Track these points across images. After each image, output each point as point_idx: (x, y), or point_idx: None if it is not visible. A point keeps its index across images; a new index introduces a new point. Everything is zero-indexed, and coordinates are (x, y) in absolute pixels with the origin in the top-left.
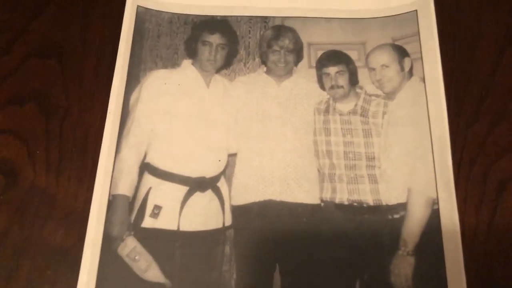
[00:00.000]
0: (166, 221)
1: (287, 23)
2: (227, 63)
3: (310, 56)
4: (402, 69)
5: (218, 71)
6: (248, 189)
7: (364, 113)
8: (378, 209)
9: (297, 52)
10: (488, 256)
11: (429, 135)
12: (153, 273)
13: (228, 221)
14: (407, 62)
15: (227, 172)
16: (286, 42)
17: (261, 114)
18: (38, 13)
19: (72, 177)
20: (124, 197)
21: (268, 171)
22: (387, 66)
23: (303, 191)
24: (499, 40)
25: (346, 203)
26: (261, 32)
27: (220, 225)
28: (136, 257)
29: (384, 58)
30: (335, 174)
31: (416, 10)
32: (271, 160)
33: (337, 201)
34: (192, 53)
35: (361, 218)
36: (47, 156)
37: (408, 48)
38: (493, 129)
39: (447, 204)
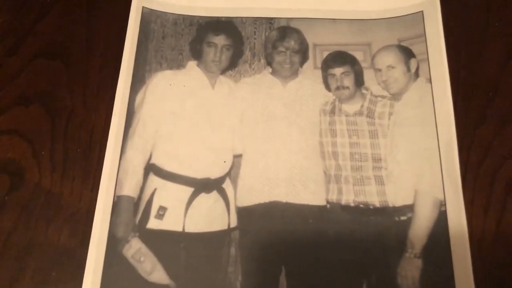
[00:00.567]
0: (171, 222)
1: (293, 24)
2: (232, 64)
3: (316, 57)
4: (408, 70)
5: (223, 72)
6: (253, 190)
7: (370, 114)
8: (384, 211)
9: (303, 53)
10: (497, 258)
11: (436, 136)
12: (158, 275)
13: (234, 223)
14: (413, 63)
15: (232, 173)
16: (292, 43)
17: (266, 115)
18: (43, 15)
19: (77, 178)
20: (129, 198)
21: (273, 172)
22: (393, 67)
23: (309, 193)
24: (507, 41)
25: (352, 204)
26: (267, 33)
27: (225, 227)
28: (141, 259)
29: (390, 59)
30: (341, 175)
31: (422, 11)
32: (276, 161)
33: (343, 202)
34: (197, 54)
35: (367, 220)
36: (52, 156)
37: (414, 49)
38: (500, 130)
39: (454, 205)
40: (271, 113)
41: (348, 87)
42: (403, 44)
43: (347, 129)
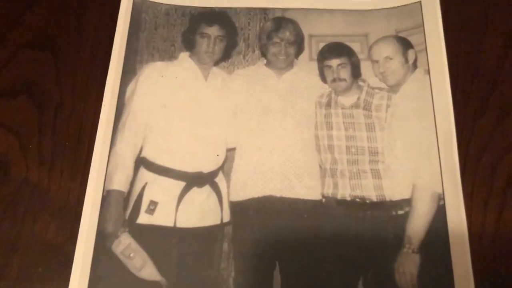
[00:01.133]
0: (162, 217)
1: (288, 15)
2: (226, 55)
3: (312, 49)
4: (406, 61)
5: (216, 63)
6: (247, 184)
7: (367, 107)
8: (381, 205)
9: (298, 44)
10: (496, 253)
11: (434, 128)
12: (149, 271)
13: (227, 218)
14: (411, 54)
15: (225, 167)
16: (287, 34)
17: (260, 107)
18: (32, 4)
19: (65, 172)
20: (119, 192)
21: (268, 166)
22: (390, 58)
23: (304, 187)
24: (507, 31)
25: (348, 199)
26: (261, 24)
27: (218, 222)
28: (131, 255)
29: (387, 50)
30: (337, 169)
31: (421, 1)
32: (271, 155)
33: (339, 197)
34: (189, 45)
35: (364, 214)
36: (39, 150)
37: (412, 40)
38: (500, 122)
39: (453, 199)
40: (265, 106)
41: (344, 79)
42: (401, 35)
43: (343, 122)
